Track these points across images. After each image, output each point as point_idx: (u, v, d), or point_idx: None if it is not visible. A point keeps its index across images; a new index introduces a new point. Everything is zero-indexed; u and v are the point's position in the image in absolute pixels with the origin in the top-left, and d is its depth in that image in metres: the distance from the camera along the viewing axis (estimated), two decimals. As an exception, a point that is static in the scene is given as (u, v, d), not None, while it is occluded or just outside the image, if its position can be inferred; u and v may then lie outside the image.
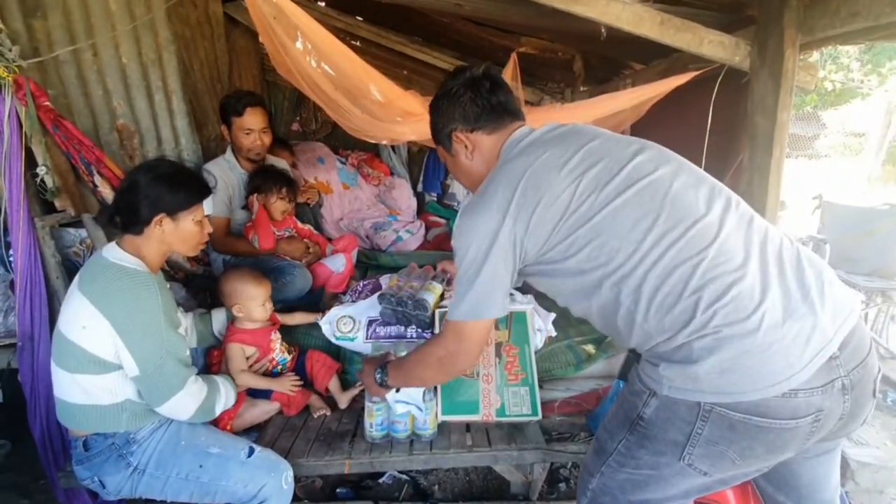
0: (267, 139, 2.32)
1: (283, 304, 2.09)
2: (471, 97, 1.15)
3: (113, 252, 1.34)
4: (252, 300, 1.72)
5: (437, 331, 1.86)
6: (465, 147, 1.18)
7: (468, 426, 1.68)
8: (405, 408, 1.55)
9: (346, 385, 1.85)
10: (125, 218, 1.35)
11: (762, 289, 0.90)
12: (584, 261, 0.99)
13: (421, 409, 1.56)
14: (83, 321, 1.26)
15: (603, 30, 1.84)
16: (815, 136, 10.70)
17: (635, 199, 0.97)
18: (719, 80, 2.00)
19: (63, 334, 1.29)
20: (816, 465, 1.08)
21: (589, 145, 1.05)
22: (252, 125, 2.23)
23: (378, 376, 1.39)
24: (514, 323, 1.87)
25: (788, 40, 1.69)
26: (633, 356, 1.06)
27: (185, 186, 1.39)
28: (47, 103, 1.83)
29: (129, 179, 1.39)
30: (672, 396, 0.93)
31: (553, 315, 2.09)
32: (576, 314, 1.14)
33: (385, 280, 2.21)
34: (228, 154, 2.36)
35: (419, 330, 1.91)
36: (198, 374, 1.43)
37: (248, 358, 1.70)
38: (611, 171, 1.01)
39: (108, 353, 1.28)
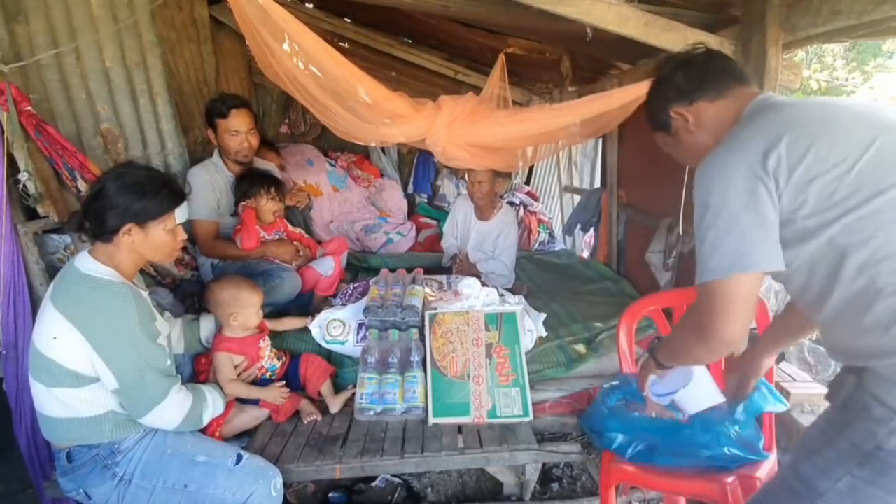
0: (254, 140, 2.31)
1: (272, 308, 2.07)
2: (684, 73, 1.07)
3: (85, 262, 1.30)
4: (249, 308, 1.70)
5: (426, 333, 1.86)
6: (686, 121, 1.07)
7: (460, 428, 1.67)
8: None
9: (337, 389, 1.84)
10: (94, 226, 1.31)
11: None
12: (852, 240, 0.82)
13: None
14: (54, 334, 1.23)
15: (589, 30, 1.84)
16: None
17: None
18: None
19: (37, 348, 1.26)
20: None
21: (871, 110, 0.91)
22: (238, 126, 2.22)
23: (649, 353, 1.23)
24: (505, 324, 1.88)
25: (771, 39, 1.70)
26: (853, 379, 0.87)
27: (155, 195, 1.33)
28: (29, 108, 1.80)
29: (97, 186, 1.33)
30: None
31: (544, 315, 2.10)
32: (798, 296, 0.95)
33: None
34: (216, 157, 2.35)
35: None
36: (185, 381, 1.41)
37: (236, 366, 1.69)
38: None
39: (83, 366, 1.25)
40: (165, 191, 1.36)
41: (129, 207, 1.29)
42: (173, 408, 1.34)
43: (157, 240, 1.36)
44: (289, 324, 1.98)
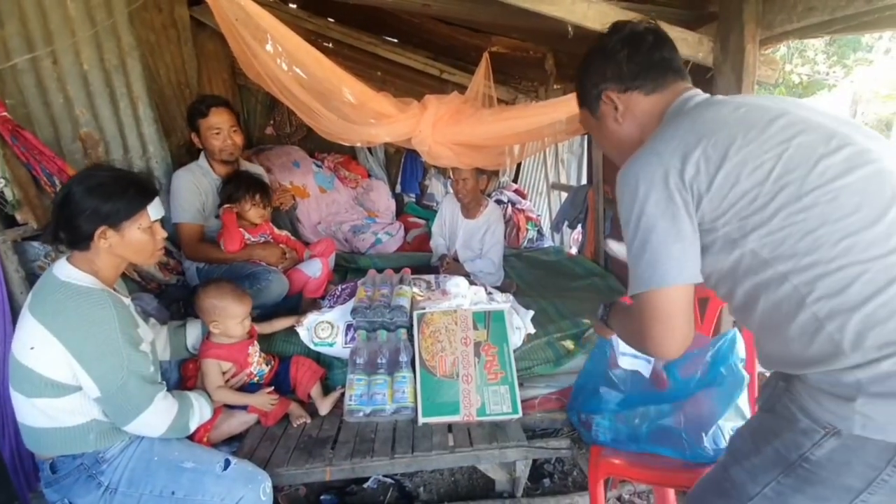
0: (238, 139, 2.30)
1: (260, 311, 2.06)
2: (628, 53, 1.00)
3: (63, 270, 1.27)
4: (231, 318, 1.67)
5: (415, 332, 1.86)
6: (615, 109, 1.03)
7: (450, 427, 1.68)
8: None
9: (326, 390, 1.84)
10: (68, 235, 1.27)
11: None
12: (774, 248, 0.81)
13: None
14: (33, 344, 1.21)
15: (570, 28, 1.85)
16: (785, 128, 10.98)
17: (858, 186, 0.79)
18: (685, 75, 2.04)
19: (16, 358, 1.24)
20: None
21: (790, 112, 0.87)
22: (219, 124, 2.22)
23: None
24: (493, 322, 1.88)
25: (748, 36, 1.73)
26: (782, 385, 0.86)
27: (122, 195, 1.29)
28: (4, 113, 1.77)
29: (62, 193, 1.29)
30: (865, 436, 0.76)
31: (531, 312, 2.11)
32: (727, 301, 0.94)
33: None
34: (202, 160, 2.33)
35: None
36: (172, 388, 1.39)
37: (224, 373, 1.67)
38: (826, 143, 0.82)
39: (64, 375, 1.23)
40: (133, 189, 1.32)
41: (98, 210, 1.25)
42: (158, 415, 1.32)
43: (135, 240, 1.32)
44: (278, 325, 1.96)
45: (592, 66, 1.06)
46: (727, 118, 0.88)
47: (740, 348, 1.36)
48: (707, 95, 0.99)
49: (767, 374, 0.94)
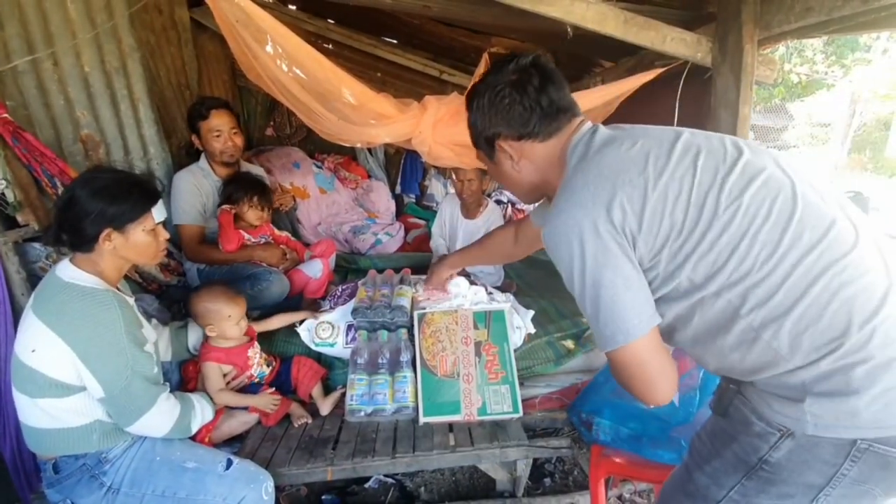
0: (238, 140, 2.31)
1: (261, 312, 2.06)
2: (516, 98, 0.96)
3: (67, 270, 1.28)
4: (226, 320, 1.66)
5: (416, 332, 1.87)
6: (509, 157, 1.01)
7: (451, 426, 1.68)
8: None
9: (327, 391, 1.84)
10: (71, 237, 1.27)
11: None
12: (705, 270, 0.82)
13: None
14: (36, 345, 1.21)
15: (569, 29, 1.86)
16: (784, 128, 11.03)
17: (762, 195, 0.81)
18: (684, 76, 2.05)
19: (20, 359, 1.24)
20: None
21: (683, 135, 0.90)
22: (219, 126, 2.22)
23: None
24: (493, 321, 1.89)
25: (747, 36, 1.74)
26: (733, 388, 0.88)
27: (128, 196, 1.29)
28: (6, 115, 1.77)
29: (67, 195, 1.29)
30: (818, 435, 0.78)
31: (532, 312, 2.11)
32: (667, 333, 0.93)
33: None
34: (202, 162, 2.34)
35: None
36: (173, 389, 1.40)
37: (224, 375, 1.67)
38: (724, 161, 0.85)
39: (68, 376, 1.23)
40: (137, 192, 1.33)
41: (104, 213, 1.26)
42: (161, 416, 1.33)
43: (139, 242, 1.33)
44: (278, 322, 1.95)
45: (481, 111, 1.02)
46: (629, 156, 0.87)
47: None
48: (599, 129, 0.96)
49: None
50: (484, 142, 1.05)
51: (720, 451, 0.89)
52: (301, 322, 1.99)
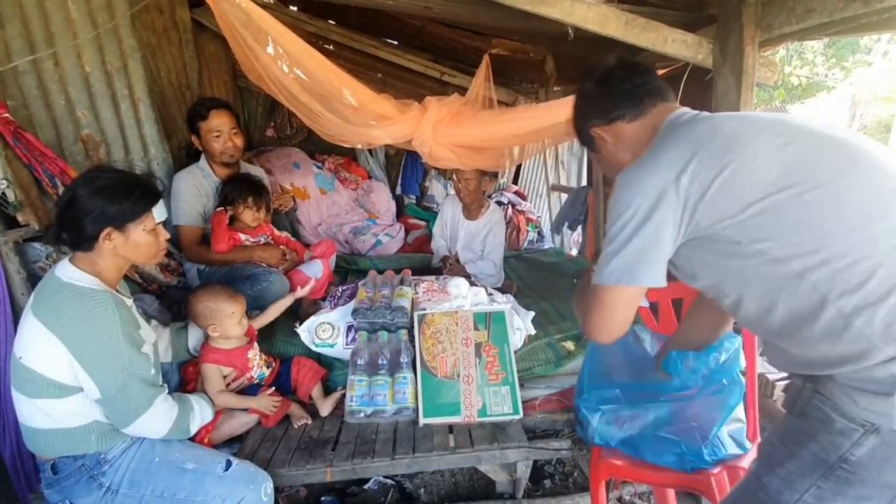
0: (238, 141, 2.30)
1: (260, 313, 2.06)
2: (601, 91, 1.10)
3: (66, 271, 1.27)
4: (229, 317, 1.66)
5: (416, 333, 1.87)
6: (606, 141, 1.11)
7: (451, 428, 1.68)
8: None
9: (326, 391, 1.84)
10: (71, 236, 1.27)
11: None
12: (783, 246, 0.82)
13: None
14: (34, 345, 1.21)
15: (570, 30, 1.86)
16: (784, 129, 10.99)
17: (858, 184, 0.82)
18: (685, 77, 2.05)
19: (18, 359, 1.24)
20: None
21: (783, 119, 0.93)
22: (219, 127, 2.22)
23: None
24: (493, 322, 1.88)
25: (748, 38, 1.74)
26: (810, 386, 0.85)
27: (129, 196, 1.29)
28: (6, 115, 1.77)
29: (68, 194, 1.29)
30: None
31: (532, 313, 2.11)
32: (735, 311, 0.95)
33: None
34: (202, 162, 2.34)
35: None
36: (173, 391, 1.39)
37: (225, 377, 1.67)
38: (819, 148, 0.87)
39: (66, 376, 1.23)
40: (139, 191, 1.33)
41: (105, 212, 1.26)
42: (158, 418, 1.32)
43: (139, 241, 1.33)
44: (274, 311, 1.93)
45: (578, 111, 1.17)
46: (719, 128, 0.93)
47: (742, 357, 1.36)
48: (697, 112, 1.03)
49: (768, 377, 0.95)
50: (585, 136, 1.15)
51: (795, 451, 0.86)
52: (299, 322, 1.99)
